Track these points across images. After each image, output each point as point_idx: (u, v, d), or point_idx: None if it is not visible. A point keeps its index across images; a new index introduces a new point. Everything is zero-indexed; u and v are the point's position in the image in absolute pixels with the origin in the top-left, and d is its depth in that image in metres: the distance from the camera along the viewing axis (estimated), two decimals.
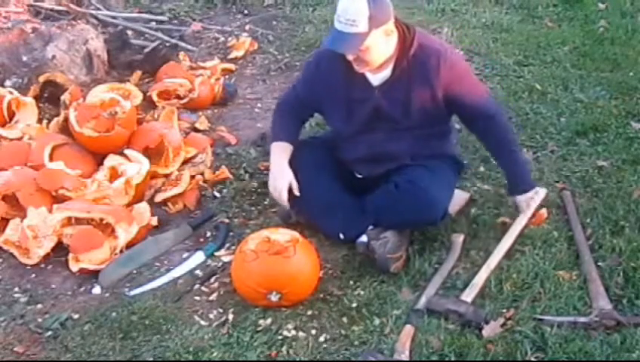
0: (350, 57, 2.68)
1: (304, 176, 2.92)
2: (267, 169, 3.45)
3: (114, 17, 4.86)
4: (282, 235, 2.71)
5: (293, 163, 2.95)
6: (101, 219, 3.01)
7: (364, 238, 2.83)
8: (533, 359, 2.38)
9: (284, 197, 2.87)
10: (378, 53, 2.68)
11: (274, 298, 2.62)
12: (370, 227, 2.84)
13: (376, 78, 2.79)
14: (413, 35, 2.73)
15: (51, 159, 3.27)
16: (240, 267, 2.68)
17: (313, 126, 3.90)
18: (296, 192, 2.87)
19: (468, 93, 2.80)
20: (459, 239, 2.94)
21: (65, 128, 3.50)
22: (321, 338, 2.54)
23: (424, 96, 2.76)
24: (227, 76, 4.54)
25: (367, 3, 2.57)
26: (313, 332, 2.56)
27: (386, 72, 2.77)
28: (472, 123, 2.93)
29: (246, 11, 5.56)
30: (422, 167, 2.83)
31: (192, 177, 3.40)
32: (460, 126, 3.78)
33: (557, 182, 3.35)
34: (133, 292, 2.79)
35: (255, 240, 2.69)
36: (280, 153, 2.96)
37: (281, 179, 2.88)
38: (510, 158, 2.94)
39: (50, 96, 3.85)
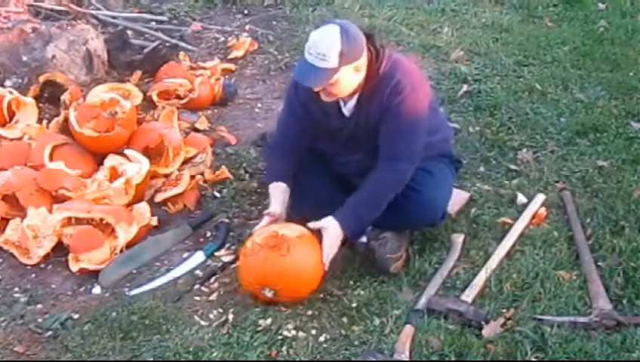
0: (316, 90, 2.67)
1: (303, 177, 2.92)
2: None
3: (114, 17, 4.86)
4: (292, 231, 2.70)
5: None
6: (101, 219, 3.01)
7: (364, 238, 2.84)
8: (533, 359, 2.39)
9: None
10: (345, 87, 2.66)
11: (268, 293, 2.63)
12: (370, 227, 2.84)
13: (347, 109, 2.78)
14: (380, 63, 2.67)
15: (51, 159, 3.27)
16: (241, 260, 2.73)
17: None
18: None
19: (393, 131, 2.69)
20: (459, 239, 2.94)
21: (65, 128, 3.50)
22: (321, 338, 2.54)
23: (378, 126, 2.73)
24: (227, 76, 4.54)
25: (340, 39, 2.54)
26: (313, 332, 2.56)
27: (353, 102, 2.76)
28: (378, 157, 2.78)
29: (246, 11, 5.55)
30: (419, 168, 2.82)
31: (192, 177, 3.40)
32: (459, 125, 3.80)
33: (557, 182, 3.35)
34: (133, 292, 2.79)
35: (262, 235, 2.70)
36: (278, 196, 2.89)
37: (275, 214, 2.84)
38: (359, 197, 2.73)
39: (50, 96, 3.85)
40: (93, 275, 2.88)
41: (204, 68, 4.49)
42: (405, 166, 2.72)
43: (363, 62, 2.64)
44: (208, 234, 3.14)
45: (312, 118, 2.85)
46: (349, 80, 2.64)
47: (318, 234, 2.73)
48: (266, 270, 2.63)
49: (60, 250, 2.98)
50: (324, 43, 2.55)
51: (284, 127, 2.99)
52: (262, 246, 2.64)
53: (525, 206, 3.13)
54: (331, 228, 2.70)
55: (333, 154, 2.94)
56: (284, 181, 2.90)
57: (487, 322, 2.50)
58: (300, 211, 2.93)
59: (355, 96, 2.74)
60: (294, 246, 2.64)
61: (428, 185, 2.78)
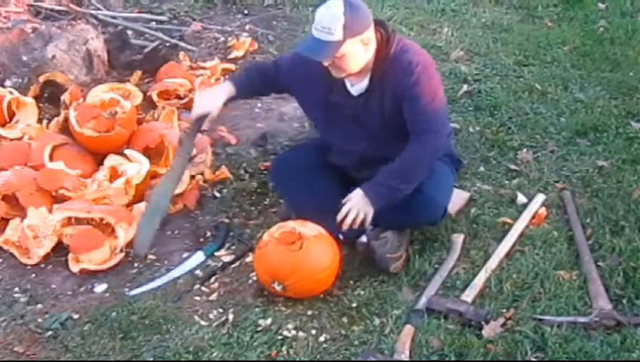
0: (326, 64, 2.68)
1: (303, 176, 2.92)
2: (267, 169, 3.46)
3: (114, 17, 4.86)
4: (309, 229, 2.72)
5: (291, 164, 2.96)
6: (101, 219, 3.01)
7: (364, 238, 2.84)
8: (533, 359, 2.38)
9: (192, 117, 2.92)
10: (354, 61, 2.67)
11: (277, 287, 2.65)
12: (370, 227, 2.84)
13: (355, 89, 2.79)
14: (391, 46, 2.71)
15: (51, 159, 3.27)
16: (255, 251, 2.79)
17: (313, 126, 3.90)
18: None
19: (417, 111, 2.72)
20: (459, 239, 2.94)
21: (65, 128, 3.50)
22: (321, 338, 2.54)
23: (395, 109, 2.75)
24: (227, 76, 4.54)
25: (343, 12, 2.56)
26: (313, 332, 2.56)
27: (363, 84, 2.77)
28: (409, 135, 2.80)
29: (246, 11, 5.56)
30: None
31: (192, 177, 3.40)
32: (459, 125, 3.80)
33: (557, 182, 3.35)
34: (133, 292, 2.79)
35: (280, 230, 2.73)
36: (224, 88, 2.98)
37: (206, 103, 2.89)
38: (389, 167, 2.72)
39: (50, 96, 3.85)
40: (94, 275, 2.88)
41: (204, 68, 4.49)
42: (434, 137, 2.75)
43: (370, 36, 2.66)
44: (208, 234, 3.14)
45: (310, 91, 2.86)
46: (356, 54, 2.65)
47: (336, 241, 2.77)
48: (276, 263, 2.66)
49: (60, 250, 2.98)
50: (328, 17, 2.58)
51: (265, 65, 3.10)
52: (276, 240, 2.68)
53: (525, 206, 3.13)
54: (354, 194, 2.73)
55: (334, 147, 2.94)
56: (236, 85, 2.95)
57: (487, 322, 2.50)
58: (300, 210, 2.94)
59: (367, 78, 2.75)
60: (308, 243, 2.65)
61: (429, 183, 2.78)
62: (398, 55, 2.72)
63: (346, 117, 2.83)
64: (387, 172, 2.73)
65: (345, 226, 2.72)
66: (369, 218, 2.72)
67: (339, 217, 2.72)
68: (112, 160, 3.33)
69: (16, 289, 2.85)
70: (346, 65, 2.67)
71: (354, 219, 2.71)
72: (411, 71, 2.69)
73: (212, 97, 2.93)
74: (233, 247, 3.04)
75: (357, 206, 2.72)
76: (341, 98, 2.81)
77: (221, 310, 2.69)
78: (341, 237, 2.87)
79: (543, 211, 3.10)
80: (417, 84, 2.69)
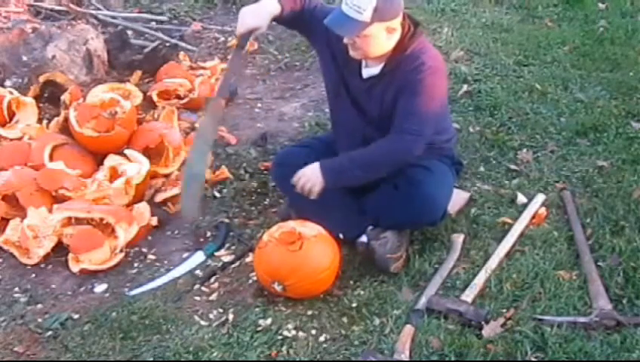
0: (346, 40, 2.69)
1: None
2: (267, 169, 3.47)
3: (114, 17, 4.86)
4: (309, 229, 2.72)
5: (292, 161, 2.96)
6: (101, 219, 3.01)
7: (364, 238, 2.84)
8: (533, 359, 2.38)
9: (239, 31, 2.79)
10: (375, 46, 2.68)
11: (277, 287, 2.65)
12: (370, 227, 2.84)
13: (367, 71, 2.80)
14: (413, 42, 2.73)
15: (51, 159, 3.27)
16: (255, 251, 2.79)
17: (313, 126, 3.91)
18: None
19: (407, 105, 2.71)
20: (459, 239, 2.94)
21: (65, 128, 3.50)
22: (321, 338, 2.54)
23: (394, 103, 2.75)
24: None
25: None
26: (313, 332, 2.56)
27: (376, 70, 2.78)
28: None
29: None
30: (421, 167, 2.83)
31: None
32: (459, 126, 3.80)
33: (557, 182, 3.35)
34: (133, 292, 2.79)
35: (280, 230, 2.73)
36: (269, 2, 2.80)
37: (252, 19, 2.76)
38: (355, 152, 2.75)
39: (50, 96, 3.85)
40: (94, 275, 2.88)
41: (204, 68, 4.49)
42: (412, 140, 2.72)
43: (396, 26, 2.67)
44: (208, 234, 3.14)
45: (332, 58, 2.85)
46: (379, 40, 2.65)
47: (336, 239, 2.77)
48: (276, 263, 2.66)
49: (60, 250, 2.98)
50: None
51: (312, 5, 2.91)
52: (276, 240, 2.68)
53: (525, 206, 3.13)
54: (311, 165, 2.75)
55: (339, 123, 2.96)
56: (282, 3, 2.80)
57: (487, 322, 2.50)
58: (301, 208, 2.94)
59: (381, 65, 2.76)
60: (308, 243, 2.66)
61: (428, 183, 2.78)
62: (415, 53, 2.73)
63: (351, 97, 2.84)
64: (352, 155, 2.75)
65: (297, 189, 2.74)
66: (315, 190, 2.73)
67: (292, 181, 2.75)
68: (112, 160, 3.33)
69: (16, 289, 2.85)
70: (366, 47, 2.67)
71: (302, 187, 2.74)
72: (420, 70, 2.70)
73: (258, 12, 2.80)
74: (233, 247, 3.04)
75: (306, 176, 2.74)
76: (352, 76, 2.82)
77: (221, 310, 2.69)
78: (341, 236, 2.87)
79: (543, 211, 3.10)
80: (419, 83, 2.70)
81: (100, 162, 3.37)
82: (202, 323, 2.63)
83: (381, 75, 2.77)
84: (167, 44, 4.69)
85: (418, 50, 2.74)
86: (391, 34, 2.67)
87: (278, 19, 2.86)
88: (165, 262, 2.99)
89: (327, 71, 2.97)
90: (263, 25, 2.80)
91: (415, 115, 2.71)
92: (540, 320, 2.51)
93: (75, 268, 2.90)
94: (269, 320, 2.60)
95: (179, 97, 4.07)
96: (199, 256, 2.98)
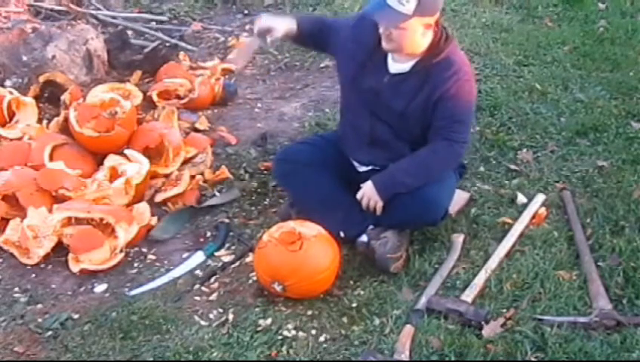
0: (382, 30, 2.70)
1: (305, 174, 2.92)
2: (267, 169, 3.47)
3: (114, 17, 4.86)
4: (309, 229, 2.72)
5: (294, 158, 2.97)
6: (101, 219, 3.01)
7: (364, 238, 2.84)
8: (533, 359, 2.38)
9: (259, 24, 2.89)
10: (411, 41, 2.69)
11: (277, 287, 2.65)
12: (371, 227, 2.84)
13: (395, 67, 2.81)
14: (448, 45, 2.75)
15: (51, 159, 3.27)
16: (255, 251, 2.79)
17: (313, 126, 3.91)
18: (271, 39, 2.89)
19: (454, 114, 2.76)
20: (459, 239, 2.94)
21: (65, 128, 3.50)
22: (321, 338, 2.54)
23: (422, 106, 2.76)
24: (227, 76, 4.54)
25: None
26: (313, 332, 2.56)
27: (405, 66, 2.79)
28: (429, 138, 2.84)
29: (246, 11, 5.55)
30: None
31: (192, 177, 3.40)
32: None
33: (557, 182, 3.35)
34: (133, 292, 2.79)
35: (280, 230, 2.73)
36: (286, 18, 2.98)
37: (272, 20, 2.90)
38: (403, 161, 2.81)
39: (50, 96, 3.85)
40: (94, 275, 2.88)
41: (204, 68, 4.49)
42: (460, 147, 2.81)
43: (432, 24, 2.69)
44: (208, 234, 3.14)
45: (353, 47, 2.87)
46: (416, 35, 2.68)
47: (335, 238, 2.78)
48: (276, 264, 2.66)
49: (60, 250, 2.98)
50: None
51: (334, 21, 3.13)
52: (276, 240, 2.68)
53: (525, 206, 3.13)
54: (366, 185, 2.83)
55: (351, 114, 2.98)
56: (297, 20, 2.94)
57: (487, 322, 2.50)
58: (303, 204, 2.94)
59: (412, 63, 2.77)
60: (308, 243, 2.65)
61: (431, 183, 2.78)
62: (450, 58, 2.75)
63: (371, 89, 2.84)
64: (401, 166, 2.80)
65: (365, 208, 2.83)
66: (379, 206, 2.80)
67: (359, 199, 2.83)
68: (112, 160, 3.33)
69: (16, 289, 2.85)
70: (402, 40, 2.68)
71: (367, 206, 2.81)
72: (459, 77, 2.73)
73: (275, 17, 2.92)
74: (233, 247, 3.04)
75: (367, 195, 2.81)
76: (376, 70, 2.82)
77: (221, 310, 2.69)
78: (342, 235, 2.87)
79: (543, 211, 3.10)
80: (460, 90, 2.74)
81: (100, 162, 3.37)
82: (202, 323, 2.63)
83: (412, 73, 2.77)
84: (167, 44, 4.70)
85: (453, 54, 2.77)
86: (427, 30, 2.69)
87: (295, 37, 2.94)
88: (165, 262, 2.99)
89: (344, 67, 2.95)
90: (278, 27, 2.86)
91: (461, 123, 2.77)
92: (540, 320, 2.51)
93: (75, 268, 2.90)
94: (269, 320, 2.60)
95: (179, 97, 4.07)
96: (199, 256, 2.98)
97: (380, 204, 2.80)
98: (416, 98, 2.77)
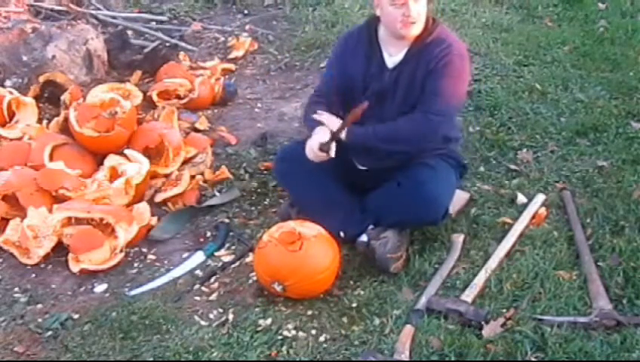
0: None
1: (306, 174, 2.92)
2: (267, 169, 3.47)
3: (114, 17, 4.87)
4: (309, 229, 2.72)
5: (294, 160, 2.96)
6: (101, 219, 3.01)
7: (364, 238, 2.84)
8: (533, 359, 2.38)
9: (315, 148, 2.81)
10: (424, 13, 2.78)
11: (277, 287, 2.65)
12: (371, 227, 2.84)
13: (392, 60, 2.85)
14: (436, 27, 2.83)
15: (51, 159, 3.27)
16: (255, 252, 2.79)
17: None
18: (332, 154, 2.81)
19: (434, 87, 2.78)
20: (459, 239, 2.94)
21: (65, 128, 3.50)
22: (321, 338, 2.54)
23: (421, 85, 2.79)
24: (227, 76, 4.55)
25: None
26: (313, 332, 2.56)
27: (400, 56, 2.82)
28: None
29: (246, 11, 5.56)
30: (425, 165, 2.84)
31: (192, 177, 3.40)
32: (460, 126, 3.79)
33: (557, 182, 3.35)
34: (133, 292, 2.79)
35: (280, 230, 2.73)
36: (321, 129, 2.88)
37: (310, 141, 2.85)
38: (381, 127, 2.80)
39: (50, 96, 3.85)
40: (94, 275, 2.88)
41: (204, 68, 4.49)
42: (437, 120, 2.78)
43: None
44: (208, 234, 3.14)
45: (354, 65, 2.90)
46: (425, 8, 2.78)
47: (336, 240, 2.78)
48: (276, 264, 2.66)
49: (60, 250, 2.98)
50: None
51: (322, 82, 3.14)
52: (276, 240, 2.68)
53: (525, 206, 3.13)
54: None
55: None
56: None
57: (487, 322, 2.50)
58: (303, 203, 2.94)
59: (404, 50, 2.81)
60: (308, 244, 2.66)
61: (432, 182, 2.79)
62: (440, 37, 2.82)
63: (375, 92, 2.86)
64: (378, 128, 2.79)
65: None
66: (332, 145, 2.76)
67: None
68: (112, 160, 3.33)
69: (16, 289, 2.85)
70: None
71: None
72: (447, 52, 2.78)
73: (322, 135, 2.83)
74: (233, 247, 3.04)
75: (331, 120, 2.82)
76: (377, 68, 2.86)
77: (221, 310, 2.69)
78: (342, 235, 2.87)
79: (543, 211, 3.10)
80: (446, 66, 2.77)
81: (100, 162, 3.38)
82: (202, 323, 2.63)
83: (406, 60, 2.82)
84: (167, 44, 4.70)
85: (442, 33, 2.84)
86: (427, 6, 2.78)
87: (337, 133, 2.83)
88: (165, 262, 2.99)
89: (352, 80, 2.92)
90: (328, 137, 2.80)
91: (441, 95, 2.78)
92: (540, 320, 2.51)
93: (75, 268, 2.90)
94: (269, 320, 2.60)
95: (179, 97, 4.07)
96: (199, 256, 2.98)
97: (332, 144, 2.75)
98: (413, 81, 2.80)
